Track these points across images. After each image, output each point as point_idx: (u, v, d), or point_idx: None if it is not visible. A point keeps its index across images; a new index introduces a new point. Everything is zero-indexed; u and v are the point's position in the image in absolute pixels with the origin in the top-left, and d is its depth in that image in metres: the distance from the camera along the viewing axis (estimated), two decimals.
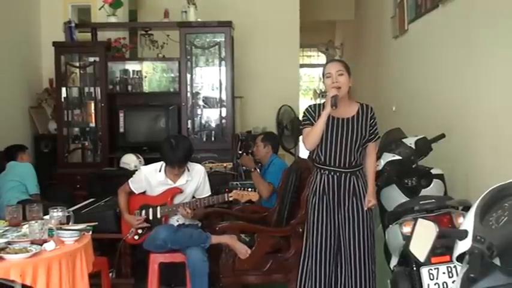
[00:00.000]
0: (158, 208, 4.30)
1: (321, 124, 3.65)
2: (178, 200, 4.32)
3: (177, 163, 4.22)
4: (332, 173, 3.75)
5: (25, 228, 3.35)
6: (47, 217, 3.53)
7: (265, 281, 4.48)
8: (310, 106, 3.87)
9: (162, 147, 4.25)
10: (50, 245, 3.12)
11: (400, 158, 4.01)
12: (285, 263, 4.41)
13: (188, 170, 4.33)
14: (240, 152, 7.03)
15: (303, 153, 7.18)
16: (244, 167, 6.03)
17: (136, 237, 4.33)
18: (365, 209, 3.75)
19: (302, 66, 13.30)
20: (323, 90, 12.20)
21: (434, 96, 5.20)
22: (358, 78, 7.73)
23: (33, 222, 3.29)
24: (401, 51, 6.61)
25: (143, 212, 4.34)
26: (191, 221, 4.39)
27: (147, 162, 5.15)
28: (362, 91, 8.81)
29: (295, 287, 4.05)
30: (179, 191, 4.31)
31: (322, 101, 3.88)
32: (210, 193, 4.42)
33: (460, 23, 4.55)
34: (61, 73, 6.74)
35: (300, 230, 4.27)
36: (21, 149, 5.81)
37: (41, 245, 3.12)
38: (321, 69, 4.12)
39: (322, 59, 15.53)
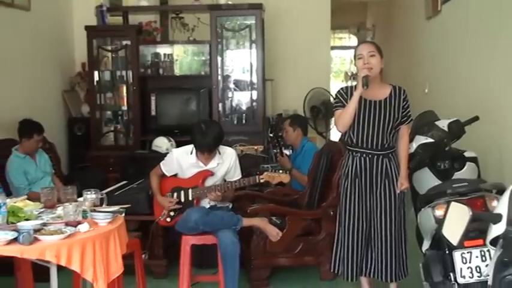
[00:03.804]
0: (190, 190, 4.33)
1: (353, 104, 3.63)
2: (209, 182, 4.34)
3: (206, 148, 4.23)
4: (364, 155, 3.73)
5: (60, 210, 3.40)
6: (81, 199, 3.58)
7: (295, 263, 4.51)
8: (342, 88, 3.85)
9: (192, 132, 4.26)
10: (84, 227, 3.17)
11: (433, 140, 3.96)
12: (316, 246, 4.42)
13: (219, 153, 4.35)
14: (271, 136, 7.02)
15: (334, 136, 7.15)
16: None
17: (168, 219, 4.36)
18: (397, 192, 3.73)
19: (333, 48, 13.20)
20: (354, 72, 12.09)
21: (468, 78, 5.13)
22: (390, 60, 7.64)
23: (67, 204, 3.34)
24: (434, 33, 6.51)
25: (175, 194, 4.37)
26: (222, 204, 4.41)
27: (179, 145, 5.18)
28: (394, 73, 8.71)
29: (328, 269, 4.06)
30: (210, 173, 4.33)
31: (354, 83, 3.85)
32: (240, 176, 4.41)
33: (495, 3, 4.47)
34: (93, 57, 6.80)
35: (331, 212, 4.27)
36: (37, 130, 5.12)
37: (75, 226, 3.16)
38: (352, 51, 4.09)
39: (353, 41, 15.40)
